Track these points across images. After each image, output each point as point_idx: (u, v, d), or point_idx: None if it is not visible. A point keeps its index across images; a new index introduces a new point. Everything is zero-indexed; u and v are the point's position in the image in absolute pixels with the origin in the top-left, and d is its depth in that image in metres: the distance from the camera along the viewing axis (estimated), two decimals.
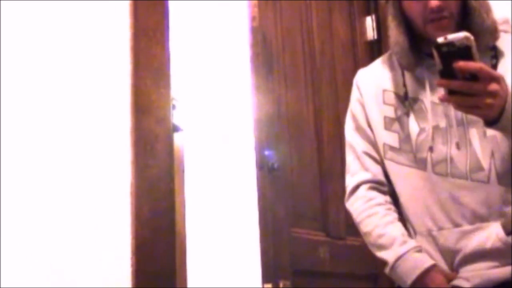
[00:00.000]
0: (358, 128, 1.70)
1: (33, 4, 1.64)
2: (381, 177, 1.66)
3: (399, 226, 1.60)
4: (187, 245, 2.28)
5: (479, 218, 1.53)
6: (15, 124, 1.57)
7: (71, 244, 1.62)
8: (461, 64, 1.27)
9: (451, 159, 1.54)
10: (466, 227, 1.53)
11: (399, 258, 1.55)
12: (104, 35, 1.80)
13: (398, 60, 1.62)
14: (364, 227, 1.63)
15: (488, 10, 1.55)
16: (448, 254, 1.56)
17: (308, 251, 2.48)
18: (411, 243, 1.57)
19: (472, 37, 1.28)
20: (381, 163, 1.66)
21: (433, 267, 1.53)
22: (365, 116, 1.68)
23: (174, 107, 2.06)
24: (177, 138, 2.24)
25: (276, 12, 2.59)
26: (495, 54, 1.54)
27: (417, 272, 1.52)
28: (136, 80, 1.83)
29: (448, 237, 1.55)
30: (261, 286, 2.25)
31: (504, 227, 1.50)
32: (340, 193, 2.69)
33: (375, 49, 3.08)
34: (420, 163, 1.58)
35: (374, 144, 1.66)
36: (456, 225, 1.55)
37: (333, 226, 2.63)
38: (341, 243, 2.64)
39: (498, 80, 1.30)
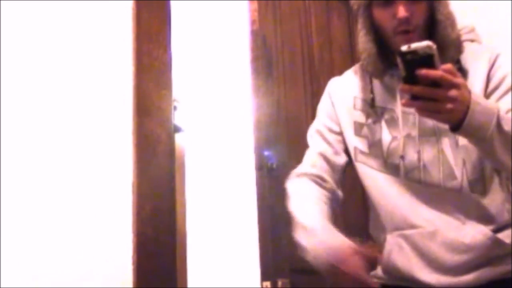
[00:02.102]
0: (319, 131, 1.71)
1: (35, 5, 1.66)
2: (324, 175, 1.66)
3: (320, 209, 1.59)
4: (187, 243, 2.30)
5: (455, 221, 1.54)
6: (18, 125, 1.58)
7: (73, 242, 1.64)
8: (424, 71, 1.30)
9: (424, 167, 1.56)
10: (442, 226, 1.54)
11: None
12: (107, 37, 1.82)
13: (365, 67, 1.64)
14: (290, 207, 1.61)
15: (453, 24, 1.57)
16: (425, 248, 1.55)
17: None
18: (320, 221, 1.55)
19: (434, 46, 1.31)
20: (338, 168, 1.66)
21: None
22: (332, 122, 1.69)
23: (175, 108, 2.08)
24: (178, 138, 2.26)
25: (275, 15, 2.60)
26: (459, 68, 1.54)
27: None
28: (138, 82, 1.85)
29: (423, 234, 1.56)
30: (260, 284, 2.26)
31: (480, 222, 1.52)
32: None
33: None
34: (392, 169, 1.60)
35: (333, 148, 1.67)
36: (431, 225, 1.55)
37: None
38: None
39: (459, 86, 1.33)
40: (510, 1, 2.73)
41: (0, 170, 1.52)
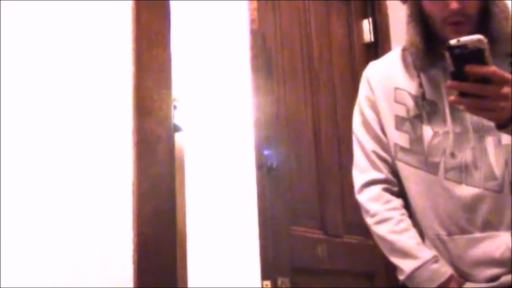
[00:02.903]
0: (366, 125, 1.66)
1: (35, 6, 1.66)
2: (391, 177, 1.63)
3: (414, 233, 1.58)
4: (187, 243, 2.30)
5: (489, 227, 1.52)
6: (18, 125, 1.58)
7: (74, 242, 1.64)
8: (474, 68, 1.25)
9: (466, 166, 1.53)
10: (476, 234, 1.53)
11: (416, 270, 1.54)
12: (107, 37, 1.83)
13: (413, 61, 1.59)
14: (378, 231, 1.60)
15: (508, 17, 1.52)
16: (457, 259, 1.55)
17: (306, 249, 2.50)
18: (427, 253, 1.55)
19: (485, 40, 1.26)
20: (390, 162, 1.63)
21: (449, 279, 1.53)
22: (374, 114, 1.65)
23: (175, 107, 2.08)
24: (178, 138, 2.26)
25: (275, 15, 2.61)
26: None
27: (434, 285, 1.52)
28: (138, 81, 1.86)
29: (457, 243, 1.55)
30: (260, 283, 2.27)
31: None
32: (337, 192, 2.73)
33: (371, 52, 3.11)
34: (431, 167, 1.56)
35: (382, 143, 1.63)
36: (466, 232, 1.54)
37: (330, 225, 2.65)
38: (339, 241, 2.66)
39: (510, 82, 1.28)
40: (511, 0, 2.73)
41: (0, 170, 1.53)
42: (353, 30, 3.10)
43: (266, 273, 2.29)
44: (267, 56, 2.51)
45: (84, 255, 1.65)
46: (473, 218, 1.54)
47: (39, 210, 1.58)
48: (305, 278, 2.44)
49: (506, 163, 1.51)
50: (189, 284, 2.25)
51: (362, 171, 1.66)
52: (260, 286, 2.27)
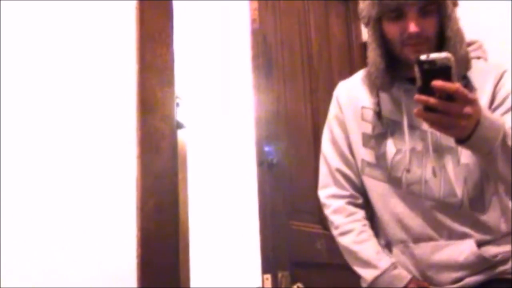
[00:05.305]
0: (334, 142, 1.74)
1: (38, 5, 1.66)
2: (354, 193, 1.72)
3: (374, 243, 1.66)
4: (189, 237, 2.32)
5: (454, 235, 1.59)
6: (21, 124, 1.59)
7: (78, 237, 1.65)
8: (439, 83, 1.29)
9: (426, 182, 1.60)
10: (442, 242, 1.60)
11: (376, 278, 1.62)
12: (111, 36, 1.84)
13: (373, 80, 1.65)
14: (342, 241, 1.69)
15: (462, 41, 1.58)
16: (422, 265, 1.62)
17: (306, 243, 2.52)
18: (386, 262, 1.63)
19: (453, 58, 1.30)
20: (354, 179, 1.71)
21: (409, 282, 1.60)
22: (343, 132, 1.73)
23: (178, 105, 2.09)
24: (181, 135, 2.29)
25: (275, 14, 2.63)
26: (466, 84, 1.56)
27: None
28: (141, 79, 1.87)
29: (423, 249, 1.62)
30: (260, 277, 2.29)
31: (476, 243, 1.58)
32: None
33: None
34: (394, 181, 1.64)
35: (347, 161, 1.72)
36: (432, 239, 1.61)
37: None
38: None
39: (472, 103, 1.33)
40: (510, 1, 2.75)
41: (0, 166, 1.53)
42: (351, 30, 3.12)
43: (266, 267, 2.31)
44: (267, 55, 2.53)
45: (87, 250, 1.66)
46: (437, 226, 1.61)
47: (42, 206, 1.59)
48: (305, 272, 2.45)
49: (465, 181, 1.59)
50: (191, 277, 2.27)
51: (325, 186, 1.76)
52: (260, 280, 2.29)
